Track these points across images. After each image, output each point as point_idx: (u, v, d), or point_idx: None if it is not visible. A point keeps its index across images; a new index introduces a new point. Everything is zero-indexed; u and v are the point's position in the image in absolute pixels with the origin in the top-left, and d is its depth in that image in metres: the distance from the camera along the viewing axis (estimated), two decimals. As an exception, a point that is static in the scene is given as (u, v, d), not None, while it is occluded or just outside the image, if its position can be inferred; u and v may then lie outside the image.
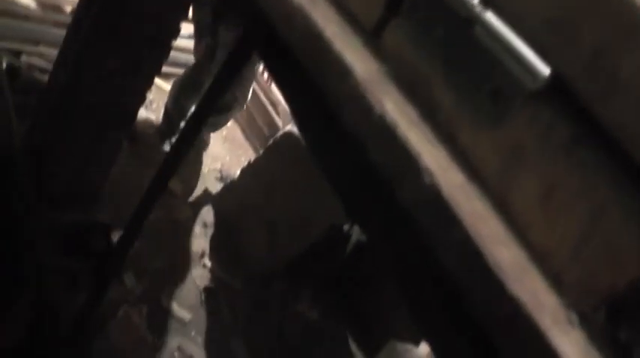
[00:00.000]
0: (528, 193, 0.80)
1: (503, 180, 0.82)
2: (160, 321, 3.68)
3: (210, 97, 1.85)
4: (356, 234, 4.39)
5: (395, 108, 0.82)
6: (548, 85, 0.79)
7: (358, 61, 0.86)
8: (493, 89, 0.81)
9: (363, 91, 0.82)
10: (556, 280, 0.78)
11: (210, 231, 4.43)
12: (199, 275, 4.10)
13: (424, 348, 3.71)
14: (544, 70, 0.78)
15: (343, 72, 0.84)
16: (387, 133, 0.79)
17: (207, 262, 4.21)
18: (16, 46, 4.13)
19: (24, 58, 4.14)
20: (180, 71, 4.80)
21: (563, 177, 0.77)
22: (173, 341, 3.62)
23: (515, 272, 0.75)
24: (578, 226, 0.77)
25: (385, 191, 0.90)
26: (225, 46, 3.64)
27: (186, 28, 3.79)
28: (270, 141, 4.28)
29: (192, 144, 2.12)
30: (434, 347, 1.05)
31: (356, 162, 1.01)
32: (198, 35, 4.00)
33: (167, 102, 4.36)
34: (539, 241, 0.80)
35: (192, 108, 3.85)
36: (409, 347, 3.68)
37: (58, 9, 4.49)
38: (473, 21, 0.84)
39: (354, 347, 4.42)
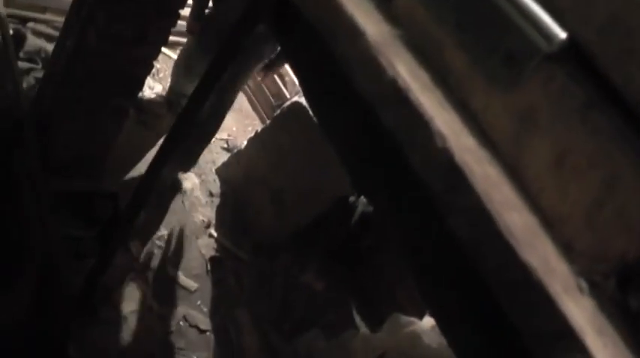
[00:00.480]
0: (541, 158, 0.79)
1: (516, 145, 0.81)
2: (166, 290, 3.69)
3: (215, 70, 1.84)
4: (361, 205, 4.39)
5: (407, 72, 0.80)
6: (563, 49, 0.78)
7: (370, 23, 0.84)
8: (507, 53, 0.80)
9: (374, 54, 0.81)
10: (567, 247, 0.78)
11: (217, 200, 4.43)
12: (205, 244, 4.11)
13: (428, 321, 3.72)
14: (559, 33, 0.77)
15: (355, 34, 0.82)
16: (398, 97, 0.78)
17: (213, 232, 4.22)
18: (22, 13, 4.11)
19: (30, 25, 4.11)
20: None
21: (577, 142, 0.76)
22: (179, 310, 3.64)
23: (526, 238, 0.74)
24: (591, 193, 0.76)
25: (394, 157, 0.89)
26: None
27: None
28: (278, 111, 4.25)
29: (196, 116, 2.11)
30: (438, 318, 1.05)
31: (364, 129, 1.00)
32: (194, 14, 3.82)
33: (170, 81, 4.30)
34: (551, 207, 0.79)
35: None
36: (413, 319, 3.69)
37: (65, -24, 4.46)
38: (487, -17, 0.82)
39: (358, 318, 4.44)
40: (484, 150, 0.81)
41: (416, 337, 3.50)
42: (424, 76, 0.84)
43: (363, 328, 4.35)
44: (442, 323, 1.02)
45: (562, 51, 0.77)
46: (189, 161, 4.08)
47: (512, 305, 0.75)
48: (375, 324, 4.30)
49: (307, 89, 1.33)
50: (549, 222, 0.79)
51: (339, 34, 0.86)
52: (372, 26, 0.84)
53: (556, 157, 0.78)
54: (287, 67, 5.04)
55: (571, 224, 0.77)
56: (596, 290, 0.77)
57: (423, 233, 0.97)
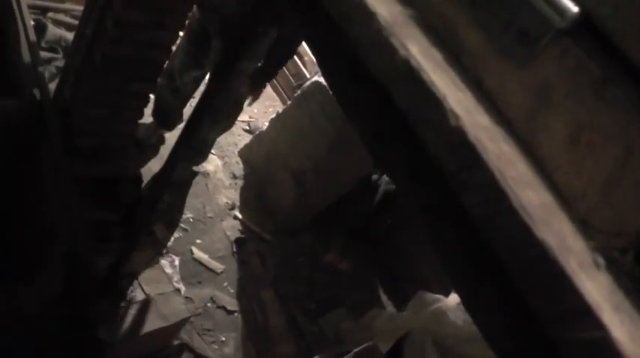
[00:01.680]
0: (556, 135, 0.79)
1: (530, 122, 0.80)
2: (193, 272, 3.74)
3: (231, 58, 1.85)
4: (384, 184, 4.39)
5: (420, 52, 0.80)
6: (576, 24, 0.77)
7: (382, 4, 0.84)
8: (520, 29, 0.79)
9: (387, 35, 0.81)
10: (583, 223, 0.78)
11: (240, 182, 4.46)
12: (230, 226, 4.14)
13: (453, 298, 3.72)
14: (572, 8, 0.77)
15: (367, 16, 0.82)
16: (411, 77, 0.78)
17: (238, 214, 4.25)
18: (42, 3, 4.15)
19: (50, 15, 4.15)
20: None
21: (592, 117, 0.75)
22: (206, 292, 3.69)
23: (541, 215, 0.74)
24: (607, 168, 0.76)
25: (410, 136, 0.90)
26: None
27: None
28: (298, 92, 4.26)
29: (218, 98, 2.13)
30: (462, 293, 1.05)
31: (381, 109, 1.00)
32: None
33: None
34: (566, 183, 0.79)
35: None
36: (438, 296, 3.69)
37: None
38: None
39: (383, 297, 4.46)
40: (498, 127, 0.80)
41: (441, 314, 3.51)
42: (437, 56, 0.84)
43: (389, 307, 4.37)
44: (467, 301, 1.03)
45: (576, 26, 0.77)
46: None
47: (528, 283, 0.75)
48: (400, 303, 4.32)
49: (325, 70, 1.33)
50: (565, 199, 0.79)
51: (351, 16, 0.86)
52: (384, 7, 0.84)
53: (571, 133, 0.78)
54: (305, 46, 5.04)
55: (587, 200, 0.77)
56: (613, 266, 0.77)
57: (441, 211, 0.98)
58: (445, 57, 0.85)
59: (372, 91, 1.03)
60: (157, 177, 2.26)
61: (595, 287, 0.71)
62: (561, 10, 0.76)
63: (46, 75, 3.36)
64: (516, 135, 0.81)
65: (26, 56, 3.09)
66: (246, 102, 3.74)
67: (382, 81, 0.82)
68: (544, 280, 0.72)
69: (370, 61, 0.83)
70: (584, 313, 0.69)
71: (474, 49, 0.85)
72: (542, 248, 0.72)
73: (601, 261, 0.75)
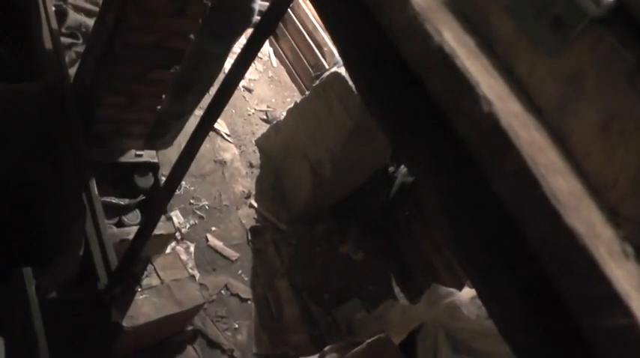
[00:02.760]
0: (587, 123, 0.79)
1: (561, 110, 0.81)
2: (207, 259, 3.77)
3: (256, 41, 1.85)
4: (401, 176, 4.39)
5: (453, 38, 0.81)
6: (611, 12, 0.77)
7: (415, -11, 0.85)
8: (554, 17, 0.79)
9: (421, 21, 0.81)
10: (613, 212, 0.78)
11: (256, 171, 4.48)
12: (245, 215, 4.16)
13: (467, 292, 3.73)
14: (607, -4, 0.77)
15: (402, 1, 0.83)
16: (445, 63, 0.78)
17: (253, 202, 4.27)
18: (63, -13, 4.17)
19: (71, 1, 4.16)
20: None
21: (624, 106, 0.76)
22: (220, 279, 3.71)
23: (571, 203, 0.74)
24: (637, 157, 0.76)
25: (437, 123, 0.90)
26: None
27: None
28: (317, 82, 4.26)
29: (237, 85, 2.13)
30: (477, 284, 1.05)
31: (408, 95, 1.00)
32: None
33: None
34: (596, 172, 0.79)
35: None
36: (452, 290, 3.70)
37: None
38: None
39: (397, 289, 4.47)
40: (530, 115, 0.81)
41: (455, 308, 3.52)
42: (470, 42, 0.84)
43: (402, 299, 4.38)
44: (483, 292, 1.03)
45: (610, 14, 0.77)
46: None
47: (557, 270, 0.76)
48: (413, 295, 4.33)
49: (347, 57, 1.33)
50: (594, 187, 0.79)
51: (384, 2, 0.87)
52: (418, -7, 0.85)
53: (602, 122, 0.78)
54: (325, 36, 5.04)
55: (617, 189, 0.77)
56: (642, 255, 0.77)
57: (460, 200, 0.98)
58: (477, 43, 0.85)
59: (397, 79, 1.03)
60: (176, 165, 2.26)
61: (624, 275, 0.72)
62: (596, -2, 0.76)
63: (66, 60, 3.37)
64: (547, 122, 0.82)
65: (48, 42, 3.11)
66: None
67: (414, 67, 0.82)
68: (573, 266, 0.72)
69: (402, 47, 0.84)
70: (613, 300, 0.69)
71: (505, 36, 0.85)
72: (571, 234, 0.72)
73: (630, 249, 0.76)
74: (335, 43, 1.35)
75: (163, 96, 3.09)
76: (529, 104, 0.82)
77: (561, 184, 0.75)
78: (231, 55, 4.95)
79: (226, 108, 2.17)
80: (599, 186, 0.79)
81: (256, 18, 3.65)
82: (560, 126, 0.81)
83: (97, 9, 3.66)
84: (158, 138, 3.76)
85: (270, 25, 1.85)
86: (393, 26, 0.85)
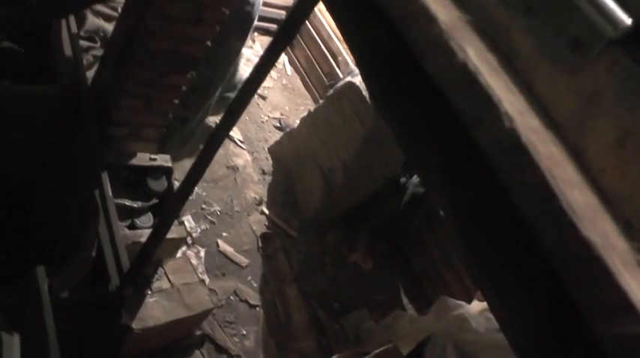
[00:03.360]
0: (602, 139, 0.82)
1: (578, 126, 0.84)
2: (217, 264, 3.79)
3: (278, 45, 1.89)
4: (412, 186, 4.41)
5: (476, 55, 0.84)
6: (628, 34, 0.80)
7: (441, 9, 0.88)
8: (573, 37, 0.82)
9: (447, 38, 0.84)
10: (627, 225, 0.81)
11: (268, 178, 4.51)
12: (256, 221, 4.19)
13: (475, 305, 3.75)
14: (625, 20, 0.80)
15: (428, 20, 0.86)
16: (468, 79, 0.81)
17: (265, 209, 4.30)
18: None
19: (90, 5, 4.20)
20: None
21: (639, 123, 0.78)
22: (229, 285, 3.74)
23: (587, 215, 0.77)
24: (652, 174, 0.78)
25: (457, 137, 0.93)
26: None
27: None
28: (331, 91, 4.29)
29: (255, 93, 2.17)
30: (488, 295, 1.07)
31: (427, 108, 1.03)
32: None
33: None
34: (612, 186, 0.82)
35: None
36: (460, 303, 3.72)
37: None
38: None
39: (405, 300, 4.49)
40: (548, 130, 0.84)
41: (464, 321, 3.53)
42: (492, 60, 0.87)
43: (411, 309, 4.39)
44: (494, 303, 1.05)
45: (627, 37, 0.80)
46: None
47: (573, 279, 0.78)
48: (422, 306, 4.35)
49: (363, 66, 1.36)
50: (610, 201, 0.82)
51: (411, 19, 0.90)
52: (444, 12, 0.88)
53: (618, 138, 0.81)
54: (339, 45, 5.08)
55: (631, 203, 0.80)
56: (655, 267, 0.79)
57: (476, 209, 1.01)
58: (498, 60, 0.88)
59: (417, 93, 1.06)
60: (191, 170, 2.29)
61: (638, 285, 0.74)
62: (614, 21, 0.79)
63: (84, 63, 3.42)
64: (564, 138, 0.85)
65: (67, 45, 3.16)
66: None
67: (438, 82, 0.85)
68: (588, 276, 0.75)
69: (427, 62, 0.87)
70: (627, 309, 0.72)
71: (525, 55, 0.88)
72: (587, 245, 0.75)
73: (644, 261, 0.78)
74: (352, 52, 1.38)
75: (177, 101, 3.13)
76: (547, 120, 0.85)
77: (578, 197, 0.78)
78: (247, 62, 5.02)
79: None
80: (614, 200, 0.81)
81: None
82: (577, 142, 0.84)
83: (115, 13, 3.70)
84: (167, 142, 3.81)
85: (289, 33, 1.89)
86: (419, 42, 0.88)
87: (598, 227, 0.77)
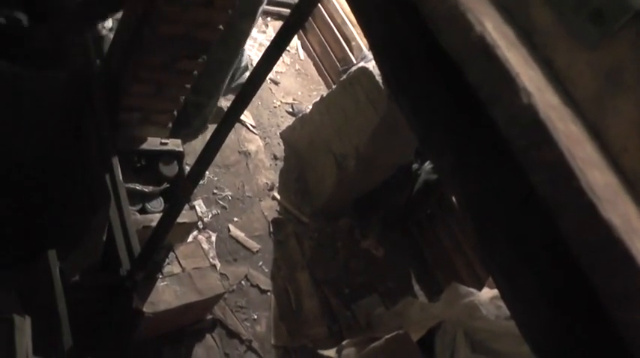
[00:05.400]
0: (624, 118, 0.79)
1: (599, 104, 0.80)
2: (229, 249, 3.79)
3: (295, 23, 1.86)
4: (424, 173, 4.38)
5: (494, 29, 0.81)
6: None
7: (456, -20, 0.85)
8: (595, 10, 0.79)
9: (463, 10, 0.81)
10: (649, 207, 0.78)
11: (280, 164, 4.49)
12: (268, 207, 4.18)
13: (486, 292, 3.72)
14: (653, -9, 0.76)
15: (443, -9, 0.83)
16: (486, 53, 0.78)
17: (276, 194, 4.28)
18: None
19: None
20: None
21: (665, 102, 0.75)
22: (241, 270, 3.73)
23: (607, 196, 0.74)
24: (676, 154, 0.75)
25: (472, 115, 0.90)
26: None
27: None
28: (344, 77, 4.25)
29: (265, 78, 2.15)
30: (500, 283, 1.05)
31: (442, 86, 1.00)
32: None
33: None
34: (633, 167, 0.79)
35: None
36: (471, 290, 3.69)
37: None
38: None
39: (416, 287, 4.47)
40: (567, 108, 0.81)
41: (474, 308, 3.51)
42: (510, 33, 0.84)
43: (422, 296, 4.37)
44: (506, 292, 1.02)
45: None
46: None
47: (591, 263, 0.76)
48: (433, 293, 4.33)
49: (378, 52, 1.33)
50: (631, 183, 0.79)
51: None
52: (459, -17, 0.85)
53: (641, 117, 0.77)
54: (353, 31, 5.03)
55: (654, 185, 0.77)
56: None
57: (490, 196, 0.98)
58: (517, 34, 0.85)
59: (425, 74, 1.03)
60: (202, 154, 2.28)
61: (660, 270, 0.71)
62: (640, -8, 0.76)
63: (93, 48, 3.40)
64: (584, 116, 0.81)
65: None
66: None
67: (454, 57, 0.82)
68: (608, 259, 0.72)
69: (443, 37, 0.84)
70: (648, 294, 0.69)
71: (545, 28, 0.85)
72: (607, 227, 0.72)
73: (666, 246, 0.75)
74: (366, 36, 1.35)
75: (188, 86, 3.11)
76: (567, 97, 0.82)
77: (598, 178, 0.75)
78: (259, 47, 4.99)
79: (252, 99, 2.18)
80: (635, 182, 0.78)
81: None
82: (597, 120, 0.81)
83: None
84: (182, 128, 3.79)
85: (301, 17, 1.86)
86: (434, 15, 0.85)
87: (619, 209, 0.74)
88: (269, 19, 5.45)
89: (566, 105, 0.81)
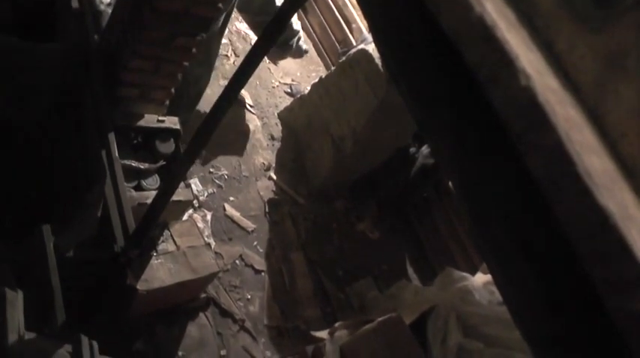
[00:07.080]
0: (625, 104, 0.78)
1: (599, 89, 0.79)
2: (224, 228, 3.78)
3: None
4: (422, 157, 4.37)
5: (494, 9, 0.79)
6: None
7: (456, -40, 0.83)
8: (598, -8, 0.78)
9: (462, -11, 0.80)
10: (647, 195, 0.77)
11: (277, 144, 4.48)
12: (264, 187, 4.17)
13: (479, 277, 3.74)
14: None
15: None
16: (485, 34, 0.77)
17: (273, 175, 4.27)
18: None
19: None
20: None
21: (667, 88, 0.74)
22: (235, 249, 3.73)
23: (605, 182, 0.73)
24: (676, 141, 0.74)
25: (469, 96, 0.89)
26: None
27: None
28: (343, 58, 4.23)
29: (263, 57, 2.12)
30: (496, 270, 1.04)
31: (438, 67, 0.99)
32: None
33: None
34: (632, 154, 0.77)
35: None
36: (465, 275, 3.71)
37: None
38: None
39: (410, 270, 4.48)
40: (567, 92, 0.79)
41: (467, 293, 3.52)
42: (510, 15, 0.83)
43: (415, 280, 4.39)
44: (499, 277, 1.02)
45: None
46: None
47: (586, 249, 0.75)
48: (427, 277, 4.34)
49: (378, 34, 1.31)
50: (629, 169, 0.78)
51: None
52: (459, -39, 0.83)
53: (642, 103, 0.76)
54: (354, 12, 5.00)
55: (653, 173, 0.76)
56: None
57: (487, 181, 0.97)
58: (517, 16, 0.83)
59: (426, 58, 1.02)
60: (201, 126, 2.26)
61: (656, 259, 0.70)
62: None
63: (91, 22, 3.37)
64: (584, 100, 0.80)
65: (75, 2, 3.11)
66: None
67: (453, 37, 0.81)
68: (603, 246, 0.71)
69: (442, 17, 0.82)
70: (642, 283, 0.69)
71: (546, 10, 0.84)
72: (603, 214, 0.71)
73: (662, 234, 0.74)
74: (366, 19, 1.33)
75: (186, 63, 3.09)
76: (567, 80, 0.81)
77: (595, 163, 0.74)
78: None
79: (251, 79, 2.16)
80: (634, 169, 0.77)
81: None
82: (597, 105, 0.80)
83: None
84: (178, 104, 3.76)
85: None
86: (433, -5, 0.84)
87: (616, 195, 0.73)
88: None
89: (566, 89, 0.80)
